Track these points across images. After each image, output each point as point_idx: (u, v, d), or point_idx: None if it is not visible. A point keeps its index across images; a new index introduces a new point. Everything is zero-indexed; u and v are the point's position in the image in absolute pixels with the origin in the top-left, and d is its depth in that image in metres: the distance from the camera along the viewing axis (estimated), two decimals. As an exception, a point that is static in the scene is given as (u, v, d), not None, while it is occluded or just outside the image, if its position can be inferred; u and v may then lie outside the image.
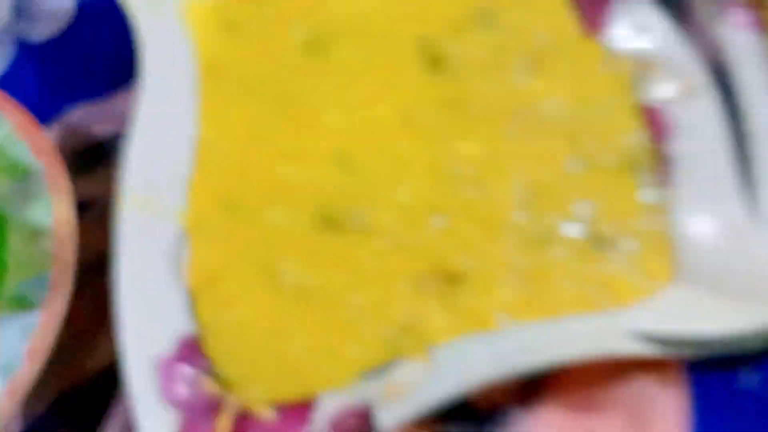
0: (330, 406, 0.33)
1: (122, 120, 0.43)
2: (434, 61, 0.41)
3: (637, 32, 0.41)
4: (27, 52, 0.47)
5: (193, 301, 0.35)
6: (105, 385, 0.37)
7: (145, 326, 0.33)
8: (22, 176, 0.36)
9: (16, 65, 0.47)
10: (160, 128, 0.38)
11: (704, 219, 0.37)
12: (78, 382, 0.37)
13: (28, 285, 0.34)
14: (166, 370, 0.32)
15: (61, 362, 0.35)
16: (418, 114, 0.39)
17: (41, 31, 0.47)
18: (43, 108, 0.40)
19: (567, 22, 0.43)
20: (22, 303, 0.33)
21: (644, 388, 0.35)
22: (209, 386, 0.33)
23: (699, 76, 0.39)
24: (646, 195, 0.38)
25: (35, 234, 0.35)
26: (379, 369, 0.34)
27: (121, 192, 0.35)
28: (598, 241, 0.37)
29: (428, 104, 0.40)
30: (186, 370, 0.33)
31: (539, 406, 0.35)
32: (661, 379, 0.35)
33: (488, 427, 0.35)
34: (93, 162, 0.43)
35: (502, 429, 0.35)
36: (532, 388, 0.35)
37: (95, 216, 0.40)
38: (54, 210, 0.35)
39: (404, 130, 0.39)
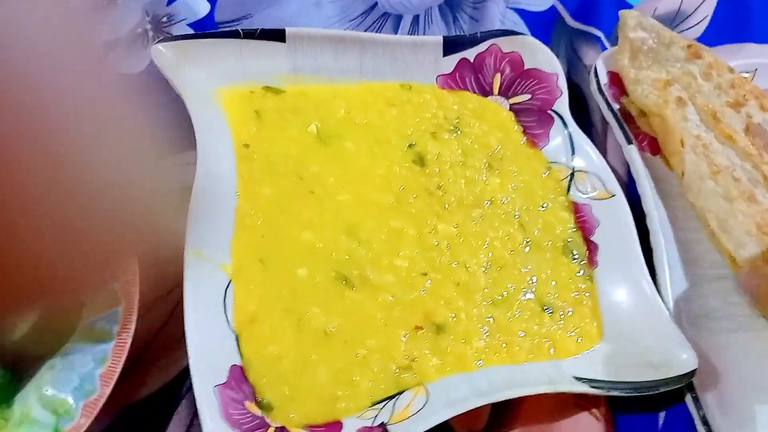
0: (352, 428, 0.39)
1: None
2: (419, 158, 0.50)
3: (568, 148, 0.53)
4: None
5: (238, 338, 0.40)
6: (158, 404, 0.41)
7: (207, 358, 0.38)
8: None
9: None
10: (209, 199, 0.43)
11: (621, 292, 0.48)
12: (135, 401, 0.41)
13: (101, 320, 0.38)
14: (222, 395, 0.37)
15: (124, 383, 0.39)
16: (408, 198, 0.48)
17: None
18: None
19: (514, 134, 0.54)
20: (96, 335, 0.38)
21: (582, 421, 0.44)
22: (253, 409, 0.38)
23: (614, 184, 0.51)
24: (579, 272, 0.49)
25: (105, 277, 0.40)
26: (387, 398, 0.41)
27: (185, 248, 0.40)
28: (543, 306, 0.47)
29: (415, 191, 0.49)
30: (236, 395, 0.38)
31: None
32: (594, 415, 0.45)
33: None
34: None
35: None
36: (499, 418, 0.44)
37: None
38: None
39: (397, 210, 0.48)
